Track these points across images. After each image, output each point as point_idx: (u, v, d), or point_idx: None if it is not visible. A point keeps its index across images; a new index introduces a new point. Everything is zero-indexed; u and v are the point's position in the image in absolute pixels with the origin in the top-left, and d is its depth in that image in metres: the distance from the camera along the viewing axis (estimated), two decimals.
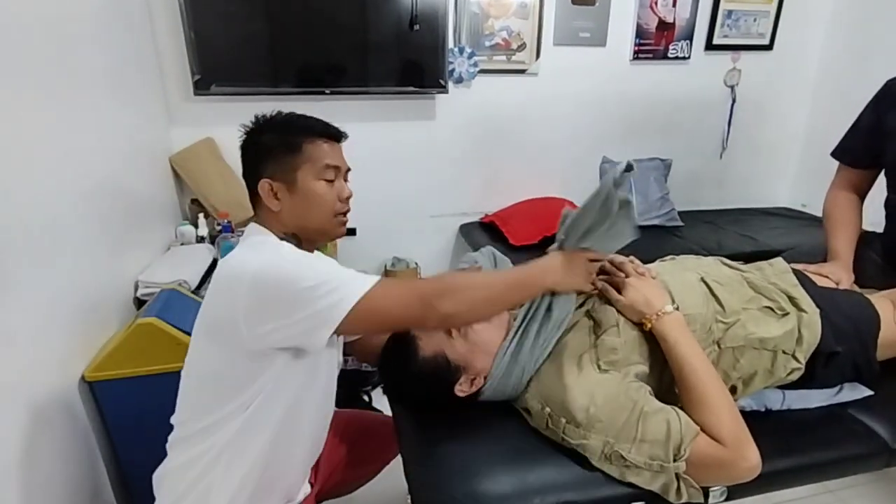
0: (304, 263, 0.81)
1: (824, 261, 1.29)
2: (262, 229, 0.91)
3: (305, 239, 0.94)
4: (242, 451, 0.85)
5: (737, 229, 2.51)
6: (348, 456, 1.16)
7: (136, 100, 1.80)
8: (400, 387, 0.99)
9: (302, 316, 0.76)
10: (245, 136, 0.94)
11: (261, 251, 0.82)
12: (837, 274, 1.21)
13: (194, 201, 2.09)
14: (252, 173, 0.93)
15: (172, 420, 0.90)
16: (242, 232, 0.99)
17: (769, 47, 2.65)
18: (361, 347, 1.16)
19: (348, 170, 0.98)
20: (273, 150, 0.91)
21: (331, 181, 0.92)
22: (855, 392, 1.06)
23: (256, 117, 0.94)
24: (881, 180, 1.33)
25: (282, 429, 0.87)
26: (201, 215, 1.98)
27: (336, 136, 0.95)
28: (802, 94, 2.79)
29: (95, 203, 1.38)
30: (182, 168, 2.02)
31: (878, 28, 2.44)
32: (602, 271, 1.06)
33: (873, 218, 1.39)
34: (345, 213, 0.96)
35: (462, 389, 0.93)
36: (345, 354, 1.14)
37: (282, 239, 0.89)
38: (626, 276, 0.99)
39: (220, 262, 0.86)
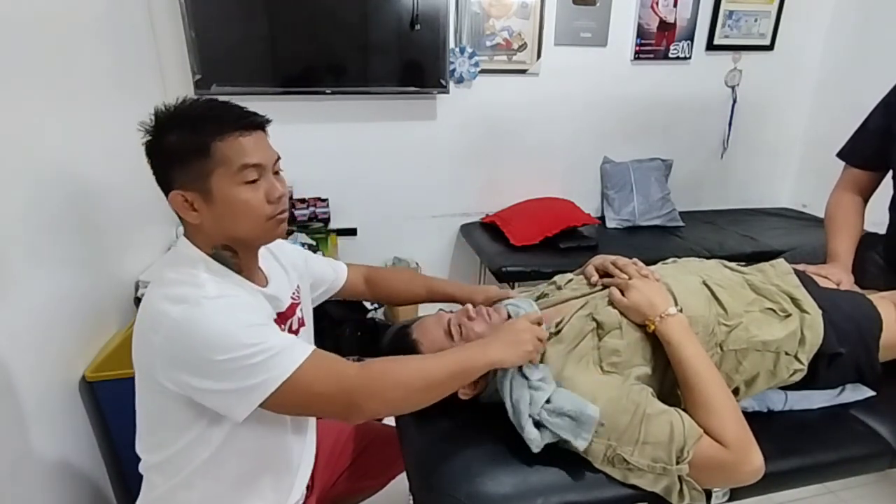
0: (224, 326, 0.71)
1: (825, 262, 1.29)
2: (190, 249, 0.80)
3: (241, 248, 0.82)
4: (216, 482, 0.84)
5: (737, 230, 2.51)
6: (351, 467, 1.14)
7: (136, 99, 1.79)
8: None
9: (214, 388, 0.70)
10: (147, 137, 0.77)
11: (181, 295, 0.72)
12: (837, 275, 1.20)
13: None
14: (163, 182, 0.78)
15: (137, 449, 0.87)
16: None
17: (770, 47, 2.65)
18: (354, 293, 1.16)
19: (278, 159, 0.82)
20: (179, 154, 0.75)
21: (254, 182, 0.77)
22: (857, 393, 1.06)
23: (156, 112, 0.77)
24: (885, 181, 1.33)
25: (251, 461, 0.85)
26: None
27: (254, 124, 0.78)
28: (803, 94, 2.79)
29: (96, 203, 1.38)
30: None
31: (879, 28, 2.44)
32: (605, 273, 1.07)
33: (876, 218, 1.39)
34: (281, 213, 0.81)
35: (464, 392, 0.93)
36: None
37: (213, 255, 0.80)
38: (630, 278, 0.99)
39: (144, 297, 0.78)
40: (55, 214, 1.19)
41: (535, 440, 0.83)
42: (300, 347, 0.75)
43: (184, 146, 0.75)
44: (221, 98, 0.81)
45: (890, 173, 1.30)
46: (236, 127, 0.76)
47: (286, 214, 0.83)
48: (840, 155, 1.39)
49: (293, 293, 0.96)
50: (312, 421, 1.02)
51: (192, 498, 0.84)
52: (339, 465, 1.12)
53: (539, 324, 0.91)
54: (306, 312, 1.01)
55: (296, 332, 0.95)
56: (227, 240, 0.80)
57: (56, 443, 1.12)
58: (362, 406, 0.75)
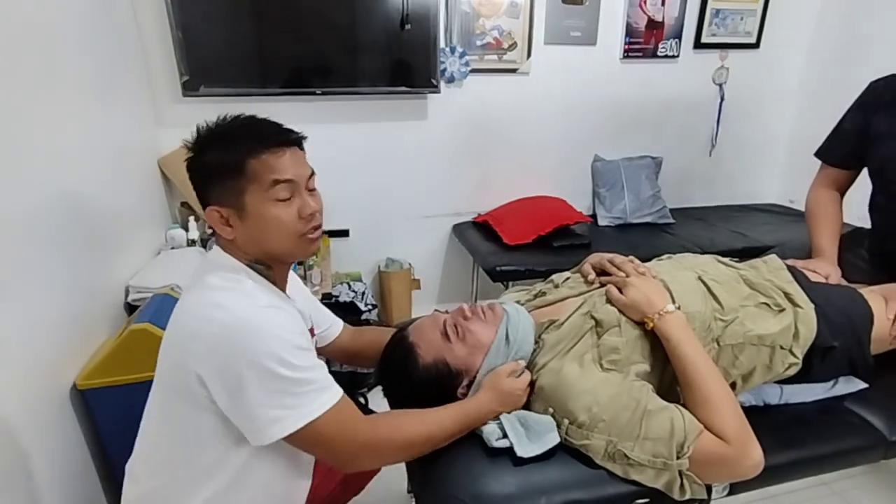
0: (276, 340, 0.72)
1: (809, 257, 1.31)
2: (226, 259, 0.82)
3: (274, 263, 0.84)
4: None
5: (727, 226, 2.54)
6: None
7: (123, 102, 1.76)
8: (401, 394, 0.98)
9: (240, 407, 0.72)
10: (188, 154, 0.80)
11: (233, 300, 0.74)
12: (825, 268, 1.23)
13: (184, 204, 2.06)
14: (202, 198, 0.81)
15: (134, 471, 0.85)
16: None
17: (756, 45, 2.68)
18: (339, 352, 1.14)
19: (312, 174, 0.84)
20: (216, 172, 0.78)
21: (286, 199, 0.79)
22: (850, 385, 1.08)
23: (198, 129, 0.80)
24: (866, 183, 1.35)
25: (264, 497, 0.85)
26: (191, 218, 1.95)
27: (289, 141, 0.80)
28: (789, 91, 2.83)
29: (83, 207, 1.36)
30: (171, 170, 1.99)
31: (864, 27, 2.48)
32: (603, 271, 1.07)
33: (861, 213, 1.41)
34: (314, 230, 0.83)
35: (464, 393, 0.93)
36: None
37: (249, 265, 0.82)
38: (627, 276, 1.00)
39: (182, 299, 0.80)
40: (42, 221, 1.16)
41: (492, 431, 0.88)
42: (331, 390, 0.77)
43: (219, 165, 0.77)
44: (255, 114, 0.83)
45: (865, 172, 1.33)
46: (269, 144, 0.78)
47: (319, 231, 0.85)
48: (817, 154, 1.42)
49: (309, 316, 0.98)
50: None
51: None
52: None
53: (516, 370, 0.93)
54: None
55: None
56: (261, 255, 0.82)
57: (47, 452, 1.10)
58: (364, 464, 0.84)
